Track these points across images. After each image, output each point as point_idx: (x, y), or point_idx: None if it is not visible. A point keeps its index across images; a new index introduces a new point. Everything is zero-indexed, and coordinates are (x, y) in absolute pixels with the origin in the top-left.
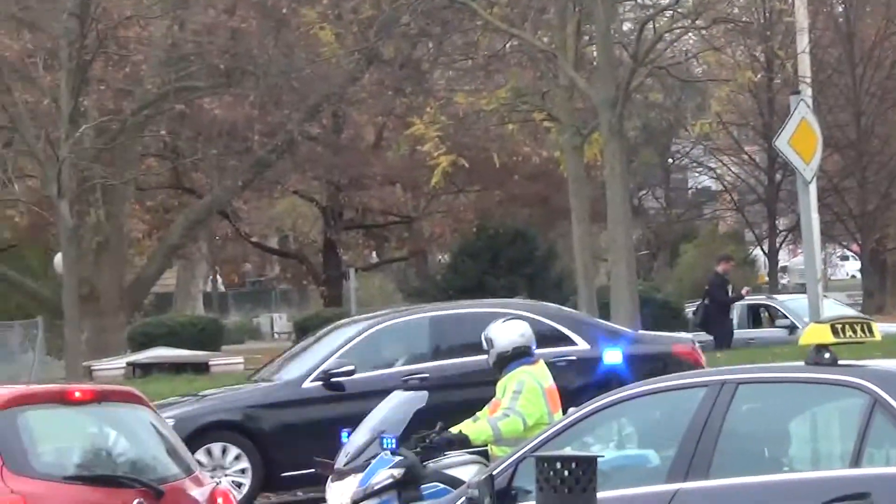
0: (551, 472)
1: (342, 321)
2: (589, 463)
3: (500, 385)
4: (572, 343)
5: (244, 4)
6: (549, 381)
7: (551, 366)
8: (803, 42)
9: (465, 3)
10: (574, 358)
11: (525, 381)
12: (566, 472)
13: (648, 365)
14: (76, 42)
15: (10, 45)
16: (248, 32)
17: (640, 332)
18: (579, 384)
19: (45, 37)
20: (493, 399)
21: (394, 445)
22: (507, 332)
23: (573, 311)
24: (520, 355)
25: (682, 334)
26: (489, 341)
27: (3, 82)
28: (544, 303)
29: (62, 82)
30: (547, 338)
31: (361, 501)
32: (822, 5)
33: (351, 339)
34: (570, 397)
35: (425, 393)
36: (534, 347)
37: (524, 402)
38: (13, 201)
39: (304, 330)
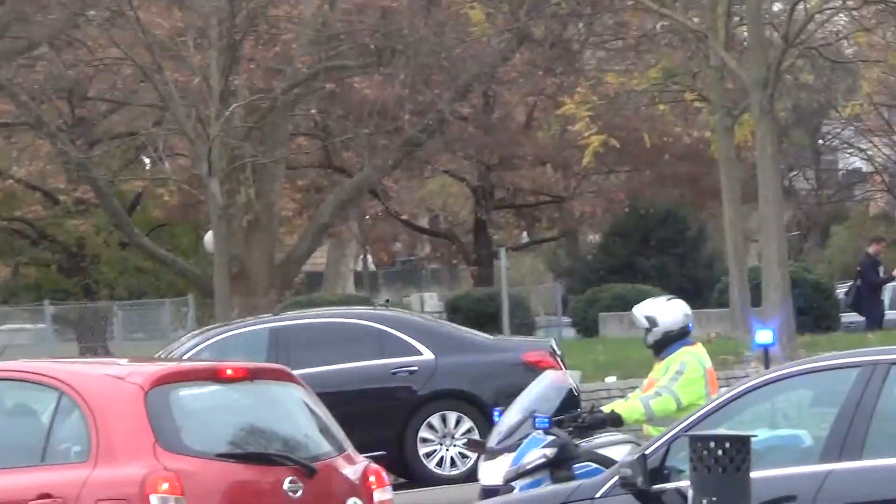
0: (705, 452)
1: (197, 330)
2: (743, 442)
3: (660, 365)
4: (417, 353)
5: None
6: (708, 361)
7: (392, 377)
8: None
9: None
10: (416, 368)
11: (688, 363)
12: (720, 452)
13: (501, 372)
14: (226, 21)
15: (160, 23)
16: (398, 11)
17: (499, 338)
18: (422, 394)
19: (196, 15)
20: (648, 378)
21: (546, 425)
22: (673, 311)
23: (424, 319)
24: (683, 335)
25: (541, 340)
26: (651, 320)
27: (155, 61)
28: (390, 311)
29: (212, 61)
30: (391, 347)
31: (514, 480)
32: None
33: (189, 351)
34: (412, 407)
35: (578, 373)
36: (690, 327)
37: (684, 382)
38: (164, 180)
39: (455, 309)
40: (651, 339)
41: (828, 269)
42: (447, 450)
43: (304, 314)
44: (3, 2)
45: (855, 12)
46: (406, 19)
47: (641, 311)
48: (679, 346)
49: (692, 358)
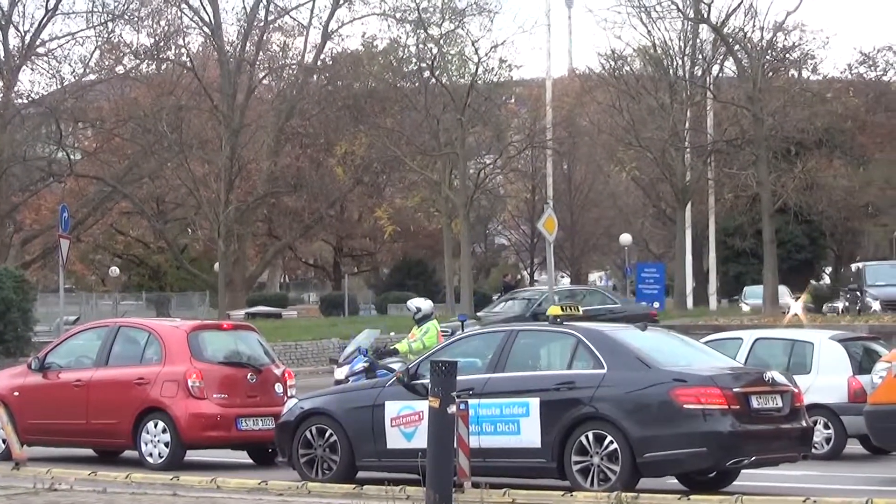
0: (437, 367)
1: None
2: (452, 364)
3: (417, 329)
4: None
5: (303, 156)
6: (438, 329)
7: None
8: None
9: (403, 160)
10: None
11: (430, 328)
12: (443, 367)
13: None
14: (229, 170)
15: (199, 170)
16: (304, 168)
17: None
18: None
19: (214, 166)
20: (411, 333)
21: (364, 352)
22: (426, 304)
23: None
24: (427, 317)
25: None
26: (416, 308)
27: (196, 186)
28: None
29: (221, 186)
30: None
31: (349, 376)
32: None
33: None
34: None
35: (378, 329)
36: (434, 313)
37: (428, 336)
38: (197, 239)
39: (324, 300)
40: (416, 316)
41: (493, 288)
42: None
43: None
44: (129, 157)
45: (502, 177)
46: (306, 171)
47: (413, 303)
48: (426, 321)
49: (432, 326)
